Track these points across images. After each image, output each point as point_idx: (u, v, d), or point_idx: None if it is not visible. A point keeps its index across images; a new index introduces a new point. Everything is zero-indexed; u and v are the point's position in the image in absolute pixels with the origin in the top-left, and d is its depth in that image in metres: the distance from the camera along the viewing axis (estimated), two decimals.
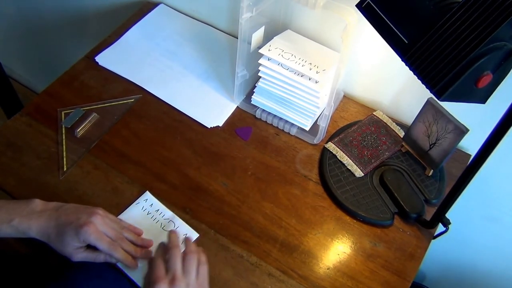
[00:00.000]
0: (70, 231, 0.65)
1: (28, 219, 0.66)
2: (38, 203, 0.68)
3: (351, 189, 0.83)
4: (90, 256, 0.68)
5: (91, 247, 0.68)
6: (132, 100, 0.94)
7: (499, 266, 1.13)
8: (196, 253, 0.68)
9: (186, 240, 0.71)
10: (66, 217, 0.67)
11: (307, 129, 0.91)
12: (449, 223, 0.74)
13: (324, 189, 0.84)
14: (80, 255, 0.68)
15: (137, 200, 0.79)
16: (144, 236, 0.75)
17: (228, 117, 0.93)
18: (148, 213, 0.77)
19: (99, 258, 0.69)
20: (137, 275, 0.71)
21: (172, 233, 0.70)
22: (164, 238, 0.75)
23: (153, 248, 0.73)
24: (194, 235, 0.76)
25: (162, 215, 0.77)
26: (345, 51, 0.73)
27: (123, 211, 0.78)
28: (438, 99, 0.54)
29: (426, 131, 0.82)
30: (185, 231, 0.76)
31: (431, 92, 0.55)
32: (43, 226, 0.66)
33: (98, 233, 0.67)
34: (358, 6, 0.63)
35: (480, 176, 0.66)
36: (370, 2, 0.60)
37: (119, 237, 0.70)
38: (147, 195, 0.80)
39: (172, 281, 0.62)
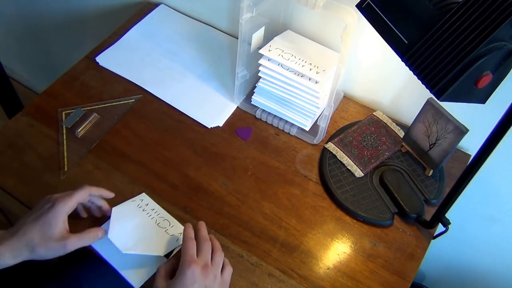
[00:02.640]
0: (47, 217, 0.64)
1: None
2: None
3: (351, 189, 0.83)
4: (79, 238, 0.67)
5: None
6: (133, 100, 0.94)
7: (499, 266, 1.13)
8: (222, 254, 0.70)
9: (213, 239, 0.72)
10: (33, 219, 0.65)
11: (307, 129, 0.91)
12: (449, 223, 0.74)
13: (324, 189, 0.84)
14: (71, 239, 0.65)
15: (133, 198, 0.79)
16: (138, 230, 0.74)
17: (228, 117, 0.93)
18: (143, 210, 0.77)
19: (82, 213, 0.74)
20: (132, 277, 0.71)
21: (201, 225, 0.72)
22: (159, 234, 0.74)
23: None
24: None
25: (157, 213, 0.77)
26: (345, 51, 0.73)
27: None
28: (438, 99, 0.55)
29: (426, 131, 0.82)
30: (180, 230, 0.76)
31: (431, 92, 0.55)
32: (15, 244, 0.63)
33: (67, 196, 0.67)
34: (358, 6, 0.63)
35: (480, 176, 0.66)
36: (370, 2, 0.60)
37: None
38: (143, 196, 0.80)
39: (205, 267, 0.64)
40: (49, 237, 0.64)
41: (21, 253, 0.64)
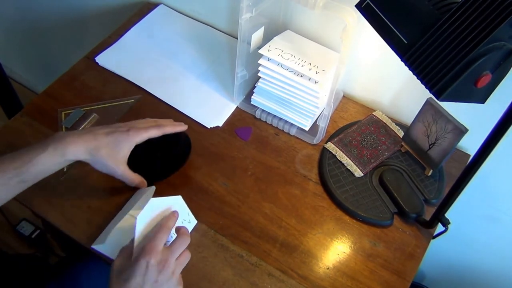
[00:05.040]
0: (119, 138, 0.70)
1: (64, 143, 0.67)
2: (63, 132, 0.69)
3: (350, 189, 0.83)
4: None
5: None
6: (132, 100, 0.94)
7: (498, 266, 1.13)
8: (189, 257, 0.67)
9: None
10: (105, 132, 0.70)
11: (307, 129, 0.91)
12: (449, 223, 0.75)
13: (323, 189, 0.84)
14: (125, 168, 0.72)
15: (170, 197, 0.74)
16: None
17: (228, 117, 0.93)
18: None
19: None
20: None
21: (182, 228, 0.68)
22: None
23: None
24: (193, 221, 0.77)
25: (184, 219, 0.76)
26: (344, 51, 0.73)
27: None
28: (437, 99, 0.55)
29: (425, 131, 0.82)
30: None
31: (430, 92, 0.55)
32: (81, 145, 0.68)
33: (143, 129, 0.73)
34: (358, 6, 0.63)
35: (479, 176, 0.66)
36: (370, 2, 0.60)
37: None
38: (179, 198, 0.75)
39: (163, 262, 0.61)
40: (113, 155, 0.70)
41: (85, 145, 0.68)
